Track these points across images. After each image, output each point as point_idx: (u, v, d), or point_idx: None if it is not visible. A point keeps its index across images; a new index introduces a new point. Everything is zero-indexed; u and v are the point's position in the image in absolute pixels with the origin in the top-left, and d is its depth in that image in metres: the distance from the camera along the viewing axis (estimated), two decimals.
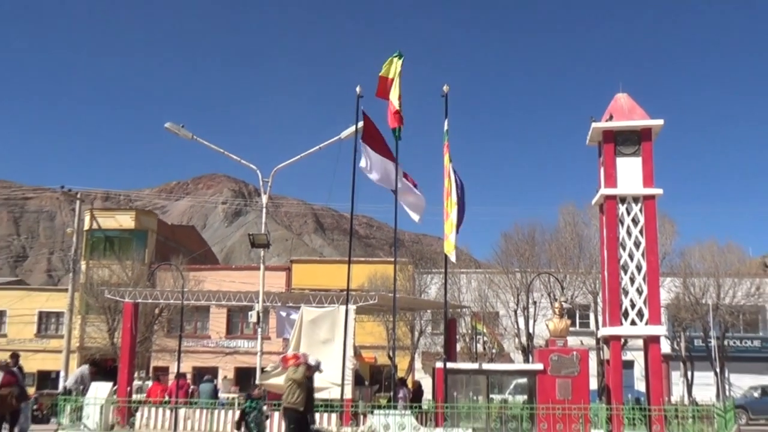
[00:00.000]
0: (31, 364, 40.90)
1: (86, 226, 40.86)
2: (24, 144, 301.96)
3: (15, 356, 17.14)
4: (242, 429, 12.28)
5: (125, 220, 44.72)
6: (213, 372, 33.32)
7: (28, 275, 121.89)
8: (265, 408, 13.02)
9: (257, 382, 18.90)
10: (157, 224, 47.83)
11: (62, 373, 31.94)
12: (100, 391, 18.76)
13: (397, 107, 18.77)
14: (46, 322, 43.55)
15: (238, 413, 12.69)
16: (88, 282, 37.69)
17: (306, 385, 10.99)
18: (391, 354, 32.03)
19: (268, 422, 13.13)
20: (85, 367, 20.77)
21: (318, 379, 18.35)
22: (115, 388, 19.57)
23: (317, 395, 18.10)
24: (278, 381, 18.71)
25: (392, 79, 18.90)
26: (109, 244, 41.38)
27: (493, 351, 35.40)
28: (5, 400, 14.69)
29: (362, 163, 18.92)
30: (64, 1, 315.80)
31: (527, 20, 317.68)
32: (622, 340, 18.28)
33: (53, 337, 41.58)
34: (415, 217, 20.00)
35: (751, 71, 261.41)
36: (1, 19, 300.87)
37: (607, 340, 18.40)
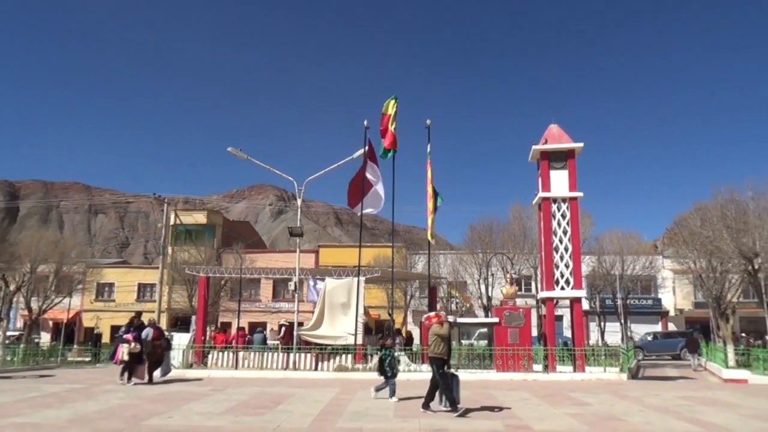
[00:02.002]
0: None
1: (171, 222, 40.71)
2: (127, 162, 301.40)
3: (138, 315, 16.72)
4: (382, 372, 11.13)
5: (200, 218, 44.64)
6: (263, 325, 33.17)
7: (130, 257, 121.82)
8: (396, 354, 11.67)
9: (297, 333, 18.85)
10: (223, 220, 47.74)
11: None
12: (182, 339, 18.75)
13: (394, 133, 18.86)
14: (143, 290, 43.50)
15: (377, 360, 11.34)
16: (173, 262, 37.65)
17: (448, 338, 9.77)
18: (390, 312, 31.99)
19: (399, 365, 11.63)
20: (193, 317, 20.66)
21: (337, 330, 18.36)
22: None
23: (336, 343, 18.10)
24: (313, 332, 18.64)
25: (390, 115, 18.95)
26: (188, 235, 41.25)
27: (463, 309, 35.35)
28: (155, 351, 14.22)
29: (369, 175, 18.88)
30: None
31: (489, 66, 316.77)
32: (555, 301, 18.26)
33: (148, 301, 41.53)
34: (371, 211, 19.63)
35: (652, 106, 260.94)
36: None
37: (544, 300, 18.42)
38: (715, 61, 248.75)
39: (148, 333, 14.21)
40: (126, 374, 14.00)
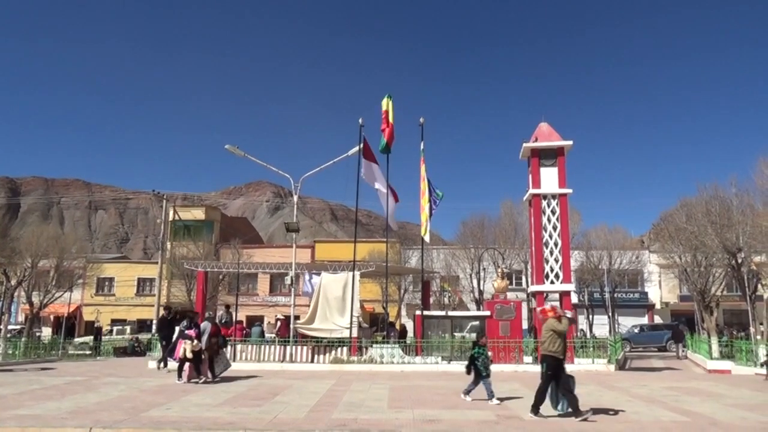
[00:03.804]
0: (133, 314, 40.83)
1: (170, 218, 40.53)
2: (127, 159, 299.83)
3: (168, 308, 16.18)
4: (472, 371, 9.96)
5: (198, 214, 44.48)
6: (260, 319, 33.22)
7: (130, 252, 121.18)
8: (489, 353, 10.39)
9: (294, 326, 18.75)
10: (221, 216, 47.59)
11: (154, 321, 31.64)
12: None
13: (392, 127, 18.96)
14: (143, 285, 43.35)
15: (468, 359, 10.14)
16: (172, 257, 37.47)
17: (565, 335, 8.54)
18: (384, 305, 31.95)
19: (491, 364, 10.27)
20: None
21: (333, 323, 18.28)
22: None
23: (332, 336, 18.03)
24: (309, 326, 18.52)
25: (386, 111, 19.00)
26: (186, 230, 41.04)
27: (455, 302, 35.41)
28: (213, 347, 13.11)
29: (363, 174, 18.87)
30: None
31: (481, 67, 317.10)
32: (545, 294, 18.29)
33: (147, 295, 41.44)
34: (393, 224, 20.22)
35: (639, 105, 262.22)
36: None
37: (534, 294, 18.43)
38: (699, 61, 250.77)
39: (205, 328, 13.10)
40: (182, 372, 12.70)
